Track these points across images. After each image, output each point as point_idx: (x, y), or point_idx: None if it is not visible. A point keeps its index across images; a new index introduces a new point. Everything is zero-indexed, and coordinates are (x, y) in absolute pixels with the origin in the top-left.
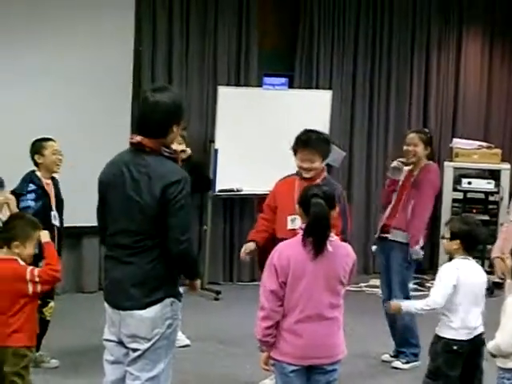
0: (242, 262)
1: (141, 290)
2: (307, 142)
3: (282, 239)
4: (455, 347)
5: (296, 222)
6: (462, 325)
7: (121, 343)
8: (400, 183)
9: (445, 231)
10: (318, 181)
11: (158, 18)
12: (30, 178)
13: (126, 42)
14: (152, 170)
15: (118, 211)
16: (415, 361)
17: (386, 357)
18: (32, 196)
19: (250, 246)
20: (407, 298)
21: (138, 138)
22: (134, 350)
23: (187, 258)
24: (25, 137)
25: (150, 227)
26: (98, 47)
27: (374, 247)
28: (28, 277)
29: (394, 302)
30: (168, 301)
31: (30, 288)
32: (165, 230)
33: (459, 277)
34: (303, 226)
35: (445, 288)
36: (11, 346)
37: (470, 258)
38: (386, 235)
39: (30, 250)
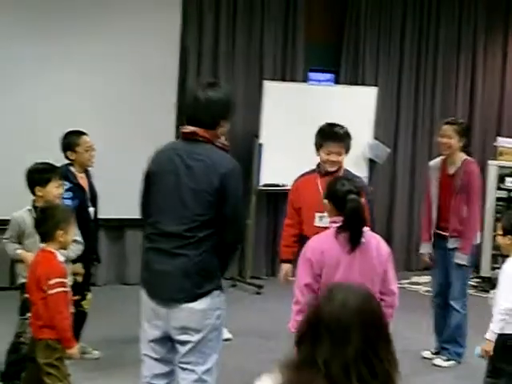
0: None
1: (191, 282)
2: (335, 135)
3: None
4: (510, 342)
5: (324, 220)
6: None
7: (165, 338)
8: (437, 179)
9: (498, 228)
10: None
11: (204, 13)
12: (65, 174)
13: (172, 37)
14: (207, 158)
15: (169, 199)
16: (457, 360)
17: (427, 353)
18: (69, 195)
19: (287, 268)
20: (465, 298)
21: (192, 128)
22: (184, 343)
23: (235, 251)
24: (66, 127)
25: (204, 215)
26: (144, 43)
27: (428, 245)
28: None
29: (484, 346)
30: (216, 292)
31: (46, 289)
32: (220, 219)
33: None
34: (337, 220)
35: (509, 291)
36: (42, 339)
37: None
38: (442, 233)
39: (71, 235)
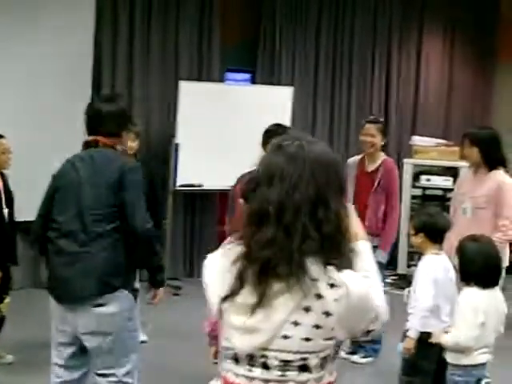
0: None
1: (95, 281)
2: (278, 132)
3: None
4: (430, 339)
5: None
6: (436, 318)
7: (73, 344)
8: (353, 176)
9: (410, 227)
10: None
11: (118, 12)
12: None
13: (86, 35)
14: (106, 157)
15: (70, 200)
16: (374, 356)
17: (341, 353)
18: None
19: None
20: None
21: (93, 137)
22: (97, 348)
23: (148, 244)
24: None
25: (102, 209)
26: (56, 42)
27: None
28: None
29: (406, 343)
30: (124, 292)
31: None
32: (123, 216)
33: (436, 276)
34: None
35: (427, 290)
36: None
37: (441, 252)
38: None
39: None
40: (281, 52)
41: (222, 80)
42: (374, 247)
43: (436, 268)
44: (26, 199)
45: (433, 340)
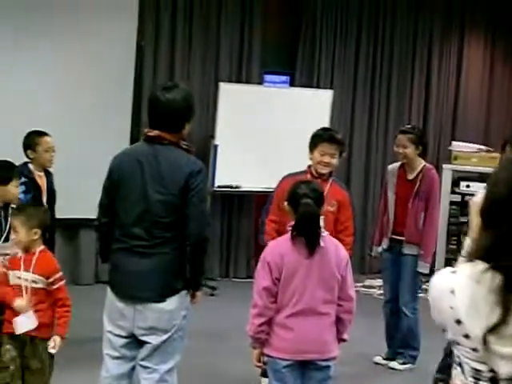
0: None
1: (161, 282)
2: (331, 137)
3: None
4: None
5: None
6: None
7: (129, 337)
8: (394, 184)
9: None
10: (327, 185)
11: (161, 13)
12: (21, 170)
13: (128, 37)
14: (173, 160)
15: (135, 201)
16: (412, 363)
17: (379, 359)
18: (22, 188)
19: None
20: (415, 302)
21: (157, 132)
22: (150, 343)
23: (202, 252)
24: (24, 128)
25: (169, 216)
26: (100, 42)
27: (380, 248)
28: None
29: None
30: (183, 292)
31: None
32: (184, 220)
33: None
34: (292, 223)
35: None
36: None
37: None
38: (396, 237)
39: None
40: (320, 55)
41: (261, 82)
42: (415, 256)
43: None
44: (66, 197)
45: None
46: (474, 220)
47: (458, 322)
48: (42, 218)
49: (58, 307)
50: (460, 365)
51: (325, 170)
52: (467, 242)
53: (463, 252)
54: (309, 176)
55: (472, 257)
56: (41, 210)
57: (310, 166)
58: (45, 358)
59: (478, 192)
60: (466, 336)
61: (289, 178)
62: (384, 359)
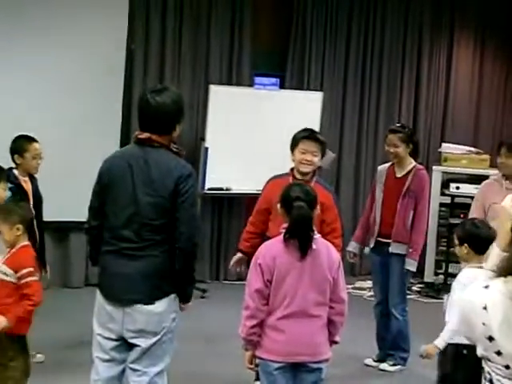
0: (229, 272)
1: (150, 284)
2: (311, 135)
3: None
4: (465, 351)
5: None
6: None
7: (118, 340)
8: (383, 183)
9: (454, 238)
10: (312, 183)
11: (151, 16)
12: (6, 175)
13: (118, 40)
14: (162, 163)
15: (125, 204)
16: (402, 365)
17: (369, 361)
18: (9, 194)
19: (237, 256)
20: (404, 304)
21: (147, 134)
22: (139, 346)
23: (192, 256)
24: (11, 132)
25: (159, 219)
26: (90, 44)
27: (367, 249)
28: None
29: (429, 347)
30: (173, 295)
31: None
32: (174, 223)
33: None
34: (285, 225)
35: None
36: None
37: (484, 265)
38: (383, 240)
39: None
40: (310, 57)
41: (251, 84)
42: (402, 255)
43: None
44: (55, 199)
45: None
46: (505, 225)
47: (491, 338)
48: (22, 214)
49: (23, 301)
50: (491, 381)
51: (307, 169)
52: (495, 251)
53: (490, 263)
54: (291, 179)
55: (504, 273)
56: (19, 206)
57: (292, 169)
58: (10, 355)
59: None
60: (498, 353)
61: (273, 180)
62: (375, 361)
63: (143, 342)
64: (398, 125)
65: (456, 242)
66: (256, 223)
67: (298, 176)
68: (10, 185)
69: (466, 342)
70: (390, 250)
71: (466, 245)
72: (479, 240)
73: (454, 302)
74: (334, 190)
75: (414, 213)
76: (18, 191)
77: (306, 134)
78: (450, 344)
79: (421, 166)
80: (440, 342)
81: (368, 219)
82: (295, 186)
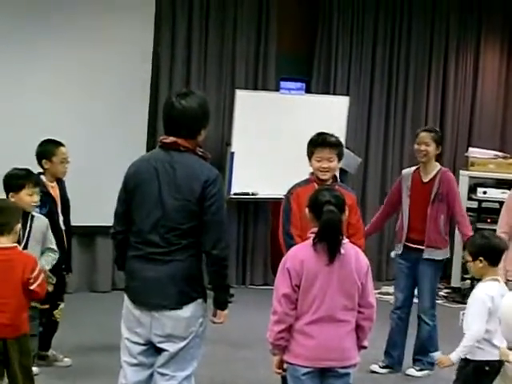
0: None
1: (178, 289)
2: (325, 141)
3: None
4: (487, 368)
5: None
6: (490, 345)
7: (146, 345)
8: (409, 187)
9: (466, 255)
10: (336, 187)
11: (177, 21)
12: (35, 181)
13: (145, 44)
14: (189, 167)
15: (151, 208)
16: (430, 369)
17: (375, 367)
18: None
19: None
20: (434, 309)
21: (172, 138)
22: (167, 350)
23: (221, 261)
24: (37, 135)
25: (186, 223)
26: (116, 49)
27: (393, 253)
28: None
29: (444, 358)
30: (200, 300)
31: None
32: (201, 227)
33: (491, 305)
34: (315, 230)
35: (481, 320)
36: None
37: (499, 278)
38: (412, 245)
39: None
40: (336, 61)
41: (277, 89)
42: (435, 261)
43: (494, 297)
44: (81, 204)
45: (502, 357)
46: None
47: None
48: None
49: None
50: None
51: (325, 176)
52: None
53: None
54: (315, 184)
55: None
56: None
57: (312, 173)
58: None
59: None
60: None
61: (298, 188)
62: (381, 367)
63: (171, 347)
64: (430, 126)
65: (469, 258)
66: (300, 235)
67: (319, 182)
68: None
69: (487, 358)
70: (424, 255)
71: (481, 258)
72: (494, 251)
73: (468, 317)
74: (353, 193)
75: (452, 216)
76: (46, 199)
77: (320, 141)
78: (472, 360)
79: (446, 168)
80: (454, 357)
81: (382, 220)
82: (324, 190)
